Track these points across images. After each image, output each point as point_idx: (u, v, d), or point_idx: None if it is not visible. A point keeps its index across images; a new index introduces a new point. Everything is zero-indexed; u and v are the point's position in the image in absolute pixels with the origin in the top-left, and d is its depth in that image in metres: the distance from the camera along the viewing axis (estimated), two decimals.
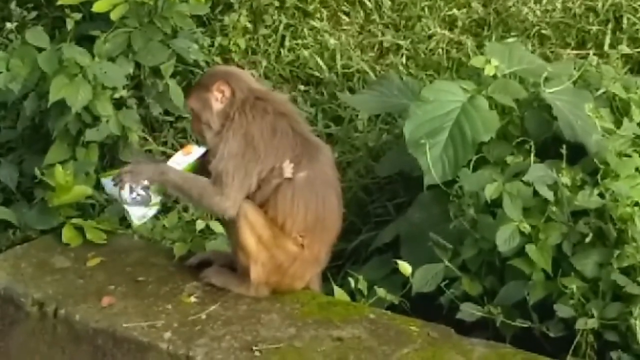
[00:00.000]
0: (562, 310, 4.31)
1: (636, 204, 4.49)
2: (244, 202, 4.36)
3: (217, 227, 4.84)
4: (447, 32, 6.37)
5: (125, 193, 4.44)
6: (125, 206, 4.48)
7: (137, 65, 5.71)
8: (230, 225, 4.41)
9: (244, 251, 4.39)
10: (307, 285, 4.55)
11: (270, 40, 6.51)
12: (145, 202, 4.47)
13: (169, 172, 4.45)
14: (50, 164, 5.25)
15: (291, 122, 4.45)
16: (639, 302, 4.23)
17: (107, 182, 4.55)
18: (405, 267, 4.56)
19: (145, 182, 4.44)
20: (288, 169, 4.38)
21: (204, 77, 4.62)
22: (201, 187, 4.39)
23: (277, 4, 6.55)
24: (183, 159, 4.50)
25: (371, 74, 6.24)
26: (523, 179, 4.60)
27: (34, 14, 6.13)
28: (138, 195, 4.45)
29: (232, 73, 4.57)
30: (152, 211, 4.53)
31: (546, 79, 5.01)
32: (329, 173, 4.49)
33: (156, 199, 4.49)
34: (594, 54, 5.87)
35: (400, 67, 6.24)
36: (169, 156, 5.79)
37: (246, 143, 4.36)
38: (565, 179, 4.54)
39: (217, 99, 4.44)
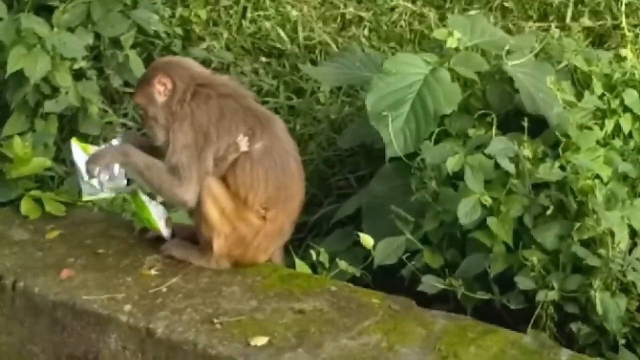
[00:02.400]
0: (523, 282, 4.32)
1: (596, 176, 4.52)
2: (207, 176, 4.33)
3: None
4: (409, 4, 6.36)
5: (102, 177, 4.44)
6: (80, 181, 4.46)
7: (97, 36, 5.66)
8: None
9: (207, 224, 4.37)
10: (269, 258, 4.53)
11: (231, 12, 6.47)
12: (110, 185, 4.48)
13: (133, 155, 4.42)
14: (9, 136, 5.19)
15: (237, 100, 4.43)
16: (599, 274, 4.25)
17: (76, 149, 4.50)
18: (367, 239, 4.56)
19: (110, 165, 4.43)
20: (243, 143, 4.36)
21: (146, 72, 4.57)
22: (162, 176, 4.37)
23: None
24: (160, 215, 4.52)
25: (333, 46, 6.22)
26: (485, 151, 4.60)
27: None
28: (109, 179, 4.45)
29: (172, 64, 4.51)
30: (103, 194, 4.51)
31: (508, 52, 5.02)
32: (285, 140, 4.48)
33: (120, 182, 4.47)
34: (556, 27, 5.87)
35: (363, 39, 6.23)
36: (128, 128, 5.80)
37: (195, 131, 4.34)
38: (527, 152, 4.54)
39: (160, 92, 4.40)
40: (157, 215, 4.50)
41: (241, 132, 4.36)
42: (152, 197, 4.54)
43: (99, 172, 4.44)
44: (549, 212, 4.42)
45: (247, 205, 4.39)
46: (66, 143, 5.53)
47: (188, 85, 4.39)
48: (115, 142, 4.55)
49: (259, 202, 4.39)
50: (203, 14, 6.37)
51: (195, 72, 4.47)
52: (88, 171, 4.43)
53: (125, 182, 4.51)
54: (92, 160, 4.44)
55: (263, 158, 4.37)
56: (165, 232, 4.53)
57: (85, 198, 4.54)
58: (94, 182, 4.45)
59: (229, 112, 4.37)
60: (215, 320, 4.13)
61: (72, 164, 4.58)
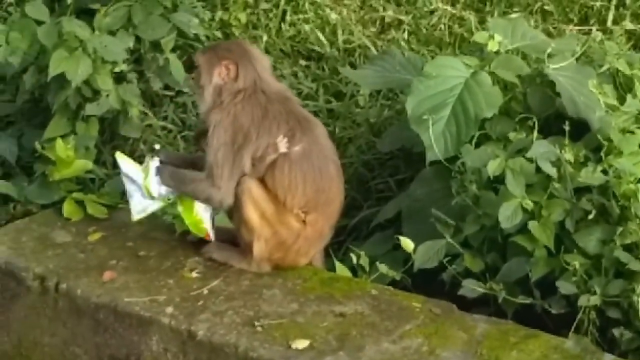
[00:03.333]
0: (564, 287, 4.30)
1: (639, 180, 4.48)
2: (247, 178, 4.35)
3: None
4: (449, 8, 6.34)
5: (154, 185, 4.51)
6: (130, 199, 4.54)
7: (137, 39, 5.68)
8: (234, 201, 4.40)
9: (247, 227, 4.39)
10: (309, 262, 4.54)
11: (271, 15, 6.47)
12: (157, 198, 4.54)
13: (163, 174, 4.50)
14: (51, 138, 5.23)
15: (282, 103, 4.45)
16: None
17: (122, 162, 4.57)
18: (407, 243, 4.55)
19: None
20: (282, 144, 4.38)
21: (226, 44, 4.61)
22: (194, 183, 4.43)
23: None
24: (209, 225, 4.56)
25: (373, 49, 6.21)
26: (526, 155, 4.58)
27: None
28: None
29: (249, 56, 4.51)
30: (153, 207, 4.54)
31: (549, 55, 4.98)
32: (324, 144, 4.49)
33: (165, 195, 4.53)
34: (597, 30, 5.85)
35: (402, 43, 6.21)
36: (169, 131, 5.83)
37: (234, 130, 4.37)
38: (568, 156, 4.52)
39: (219, 73, 4.42)
40: (205, 217, 4.51)
41: (281, 133, 4.37)
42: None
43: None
44: (590, 216, 4.39)
45: (286, 208, 4.40)
46: (106, 147, 5.60)
47: (248, 87, 4.40)
48: (153, 162, 4.57)
49: (298, 204, 4.40)
50: (243, 17, 6.39)
51: (260, 75, 4.47)
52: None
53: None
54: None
55: (301, 160, 4.39)
56: (212, 234, 4.54)
57: (135, 218, 4.57)
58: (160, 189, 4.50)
59: (271, 114, 4.39)
60: (257, 323, 4.14)
61: (122, 181, 4.62)
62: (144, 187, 4.50)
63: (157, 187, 4.51)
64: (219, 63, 4.42)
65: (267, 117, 4.38)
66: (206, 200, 4.45)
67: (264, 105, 4.40)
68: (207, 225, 4.51)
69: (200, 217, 4.50)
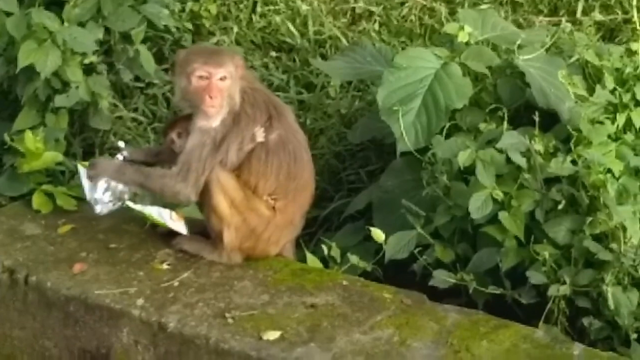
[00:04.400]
0: (535, 277, 4.32)
1: (608, 171, 4.51)
2: (215, 168, 4.34)
3: None
4: None
5: (99, 192, 4.52)
6: (91, 201, 4.55)
7: (107, 31, 5.64)
8: (203, 190, 4.38)
9: (217, 215, 4.38)
10: (280, 253, 4.54)
11: (241, 6, 6.46)
12: (113, 201, 4.55)
13: (129, 172, 4.48)
14: (20, 130, 5.20)
15: (262, 91, 4.47)
16: (611, 268, 4.25)
17: (83, 171, 4.58)
18: (378, 234, 4.56)
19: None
20: (260, 133, 4.38)
21: (222, 50, 4.66)
22: (161, 180, 4.41)
23: None
24: (164, 215, 4.53)
25: (343, 40, 6.21)
26: (496, 146, 4.60)
27: None
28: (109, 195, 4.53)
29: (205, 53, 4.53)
30: (115, 206, 4.56)
31: (519, 46, 5.00)
32: (297, 130, 4.52)
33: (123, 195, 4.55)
34: (567, 21, 5.87)
35: (373, 34, 6.21)
36: (139, 123, 5.81)
37: (224, 125, 4.36)
38: (538, 146, 4.54)
39: (237, 67, 4.44)
40: (159, 217, 4.51)
41: (261, 122, 4.37)
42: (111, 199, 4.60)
43: (97, 183, 4.51)
44: (560, 206, 4.42)
45: (256, 195, 4.40)
46: (76, 138, 5.57)
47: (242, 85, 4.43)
48: (119, 156, 4.59)
49: (268, 190, 4.41)
50: (213, 8, 6.37)
51: None
52: (89, 177, 4.50)
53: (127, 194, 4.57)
54: (91, 171, 4.51)
55: (278, 148, 4.41)
56: (176, 227, 4.53)
57: (98, 212, 4.58)
58: (103, 197, 4.49)
59: (256, 102, 4.40)
60: (227, 315, 4.13)
61: (81, 187, 4.62)
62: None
63: (90, 193, 4.51)
64: (235, 62, 4.42)
65: (253, 106, 4.40)
66: (173, 195, 4.42)
67: (251, 93, 4.42)
68: (164, 222, 4.51)
69: (153, 217, 4.52)
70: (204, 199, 4.42)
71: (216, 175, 4.35)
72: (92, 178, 4.52)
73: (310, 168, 4.54)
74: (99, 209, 4.56)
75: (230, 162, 4.36)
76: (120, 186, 4.53)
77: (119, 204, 4.57)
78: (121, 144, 4.72)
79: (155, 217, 4.51)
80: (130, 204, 4.51)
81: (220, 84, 4.36)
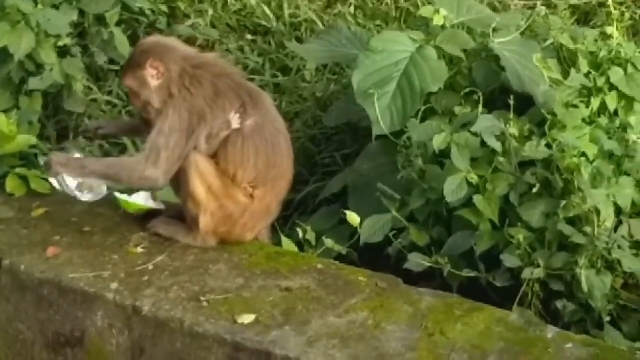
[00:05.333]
0: (509, 260, 4.34)
1: (582, 154, 4.53)
2: (194, 152, 4.33)
3: None
4: None
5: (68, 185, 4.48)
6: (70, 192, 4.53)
7: (82, 13, 5.60)
8: (181, 174, 4.37)
9: (194, 200, 4.36)
10: (255, 237, 4.53)
11: None
12: (89, 189, 4.53)
13: (90, 165, 4.45)
14: None
15: (230, 77, 4.43)
16: (584, 252, 4.27)
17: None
18: (353, 217, 4.56)
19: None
20: (235, 120, 4.35)
21: (135, 54, 4.49)
22: (128, 167, 4.39)
23: None
24: (148, 199, 4.56)
25: (319, 23, 6.20)
26: (471, 129, 4.61)
27: None
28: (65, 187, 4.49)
29: (162, 46, 4.47)
30: (99, 196, 4.55)
31: (494, 30, 5.02)
32: (275, 117, 4.49)
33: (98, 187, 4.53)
34: (542, 5, 5.88)
35: (349, 17, 6.21)
36: (114, 106, 5.78)
37: (190, 114, 4.34)
38: (513, 130, 4.55)
39: (153, 75, 4.38)
40: (143, 200, 4.51)
41: (233, 110, 4.35)
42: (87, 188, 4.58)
43: (63, 179, 4.48)
44: (535, 190, 4.43)
45: (235, 183, 4.39)
46: (50, 121, 5.54)
47: (183, 67, 4.37)
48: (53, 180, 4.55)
49: (247, 179, 4.39)
50: None
51: (185, 52, 4.46)
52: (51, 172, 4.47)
53: (104, 187, 4.55)
54: (47, 171, 4.49)
55: (254, 134, 4.37)
56: (157, 205, 4.53)
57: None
58: (67, 189, 4.48)
59: (223, 91, 4.36)
60: (202, 298, 4.13)
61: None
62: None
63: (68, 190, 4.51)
64: (144, 69, 4.37)
65: (219, 95, 4.35)
66: (141, 181, 4.39)
67: (212, 81, 4.37)
68: (147, 205, 4.51)
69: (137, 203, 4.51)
70: (182, 183, 4.40)
71: (195, 160, 4.33)
72: (54, 176, 4.47)
73: (289, 156, 4.50)
74: (84, 198, 4.53)
75: (203, 149, 4.34)
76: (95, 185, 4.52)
77: (101, 195, 4.54)
78: (87, 122, 4.68)
79: (140, 204, 4.50)
80: (117, 194, 4.50)
81: (132, 93, 4.44)
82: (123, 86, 4.51)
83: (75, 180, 4.49)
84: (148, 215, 4.56)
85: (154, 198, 4.58)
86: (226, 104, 4.35)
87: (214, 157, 4.36)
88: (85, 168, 4.45)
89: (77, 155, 4.62)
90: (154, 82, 4.38)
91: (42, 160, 4.53)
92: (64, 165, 4.45)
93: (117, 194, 4.51)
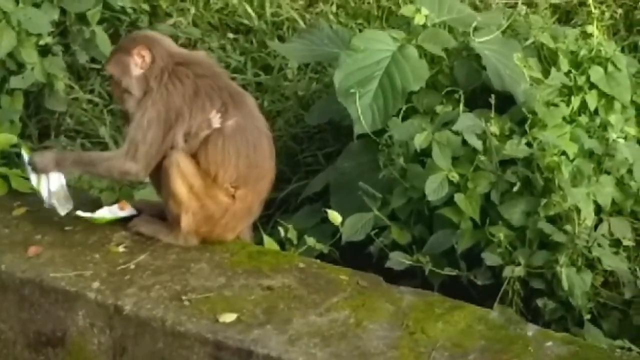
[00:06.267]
0: (490, 258, 4.35)
1: (563, 153, 4.55)
2: (175, 152, 4.33)
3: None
4: None
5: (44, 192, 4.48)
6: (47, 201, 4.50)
7: (63, 12, 5.60)
8: (162, 174, 4.37)
9: (175, 200, 4.36)
10: (237, 236, 4.53)
11: None
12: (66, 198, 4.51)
13: (67, 159, 4.46)
14: None
15: (212, 78, 4.42)
16: (565, 250, 4.29)
17: (27, 158, 4.53)
18: (334, 216, 4.57)
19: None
20: (215, 119, 4.35)
21: (123, 41, 4.55)
22: (107, 162, 4.40)
23: None
24: (114, 210, 4.53)
25: (301, 22, 6.20)
26: (452, 128, 4.62)
27: None
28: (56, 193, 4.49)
29: (152, 38, 4.49)
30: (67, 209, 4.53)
31: (475, 29, 5.04)
32: (257, 117, 4.48)
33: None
34: (523, 4, 5.90)
35: (330, 16, 6.22)
36: (95, 104, 5.78)
37: (167, 109, 4.34)
38: (494, 129, 4.57)
39: (137, 64, 4.38)
40: (112, 214, 4.51)
41: (214, 109, 4.35)
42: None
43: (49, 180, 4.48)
44: (515, 188, 4.45)
45: (216, 183, 4.39)
46: (31, 120, 5.53)
47: (167, 63, 4.37)
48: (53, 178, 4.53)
49: (229, 179, 4.39)
50: None
51: (173, 50, 4.46)
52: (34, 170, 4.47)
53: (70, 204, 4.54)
54: (36, 169, 4.48)
55: (235, 135, 4.37)
56: (128, 213, 4.53)
57: (63, 214, 4.53)
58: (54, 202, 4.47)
59: (203, 90, 4.36)
60: (184, 297, 4.13)
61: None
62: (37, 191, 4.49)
63: (47, 196, 4.49)
64: (130, 55, 4.38)
65: (199, 94, 4.35)
66: (121, 175, 4.40)
67: (193, 80, 4.37)
68: (114, 215, 4.53)
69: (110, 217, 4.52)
70: (163, 182, 4.40)
71: (176, 160, 4.33)
72: (39, 174, 4.47)
73: (271, 156, 4.50)
74: (61, 209, 4.52)
75: (181, 147, 4.34)
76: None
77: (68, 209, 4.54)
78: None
79: (108, 217, 4.50)
80: (80, 213, 4.49)
81: (114, 82, 4.44)
82: (106, 76, 4.48)
83: (52, 190, 4.48)
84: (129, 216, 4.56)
85: (124, 207, 4.56)
86: (206, 103, 4.35)
87: (195, 157, 4.36)
88: (66, 161, 4.45)
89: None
90: (136, 71, 4.38)
91: (25, 158, 4.51)
92: (47, 163, 4.45)
93: (80, 213, 4.49)
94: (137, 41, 4.43)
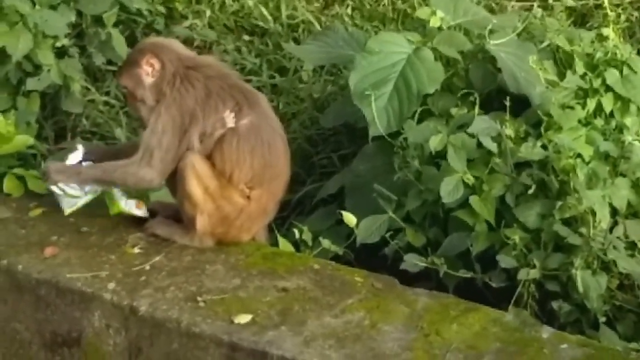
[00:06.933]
0: (505, 260, 4.35)
1: (578, 155, 4.54)
2: (190, 153, 4.35)
3: None
4: None
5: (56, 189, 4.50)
6: (57, 198, 4.53)
7: (79, 14, 5.62)
8: (177, 175, 4.39)
9: (190, 201, 4.38)
10: (252, 237, 4.54)
11: None
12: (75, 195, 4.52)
13: (84, 171, 4.49)
14: None
15: (223, 79, 4.44)
16: (580, 252, 4.28)
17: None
18: (349, 218, 4.57)
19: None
20: (230, 119, 4.37)
21: (132, 53, 4.57)
22: (122, 170, 4.41)
23: None
24: (131, 205, 4.55)
25: (316, 24, 6.21)
26: (467, 130, 4.62)
27: None
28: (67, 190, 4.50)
29: (160, 45, 4.51)
30: (82, 200, 4.53)
31: (491, 31, 5.03)
32: (272, 117, 4.50)
33: (85, 191, 4.52)
34: (539, 6, 5.90)
35: (346, 18, 6.22)
36: (111, 106, 5.79)
37: (181, 114, 4.36)
38: (509, 131, 4.57)
39: (148, 73, 4.41)
40: (127, 206, 4.52)
41: (228, 109, 4.37)
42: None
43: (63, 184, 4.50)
44: (530, 191, 4.44)
45: (231, 184, 4.40)
46: (48, 122, 5.55)
47: (177, 67, 4.39)
48: (72, 157, 4.57)
49: (244, 179, 4.40)
50: None
51: (182, 54, 4.47)
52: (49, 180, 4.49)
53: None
54: (45, 181, 4.52)
55: (249, 134, 4.38)
56: (140, 213, 4.54)
57: (67, 213, 4.55)
58: (70, 191, 4.48)
59: (214, 91, 4.38)
60: (199, 298, 4.14)
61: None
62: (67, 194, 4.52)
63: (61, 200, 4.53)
64: (139, 66, 4.41)
65: (210, 96, 4.37)
66: (136, 182, 4.41)
67: (204, 82, 4.39)
68: (129, 210, 4.52)
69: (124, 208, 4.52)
70: (178, 183, 4.41)
71: (191, 161, 4.35)
72: (52, 184, 4.50)
73: (286, 157, 4.51)
74: (65, 203, 4.54)
75: (197, 148, 4.35)
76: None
77: (88, 196, 4.54)
78: (79, 146, 4.67)
79: (122, 207, 4.52)
80: (115, 190, 4.51)
81: (128, 93, 4.48)
82: (120, 86, 4.51)
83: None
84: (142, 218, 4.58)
85: (139, 207, 4.57)
86: (219, 103, 4.37)
87: (210, 157, 4.38)
88: (81, 174, 4.48)
89: (80, 150, 4.61)
90: (148, 80, 4.41)
91: (42, 167, 4.55)
92: (61, 172, 4.48)
93: (115, 190, 4.51)
94: (144, 51, 4.45)
